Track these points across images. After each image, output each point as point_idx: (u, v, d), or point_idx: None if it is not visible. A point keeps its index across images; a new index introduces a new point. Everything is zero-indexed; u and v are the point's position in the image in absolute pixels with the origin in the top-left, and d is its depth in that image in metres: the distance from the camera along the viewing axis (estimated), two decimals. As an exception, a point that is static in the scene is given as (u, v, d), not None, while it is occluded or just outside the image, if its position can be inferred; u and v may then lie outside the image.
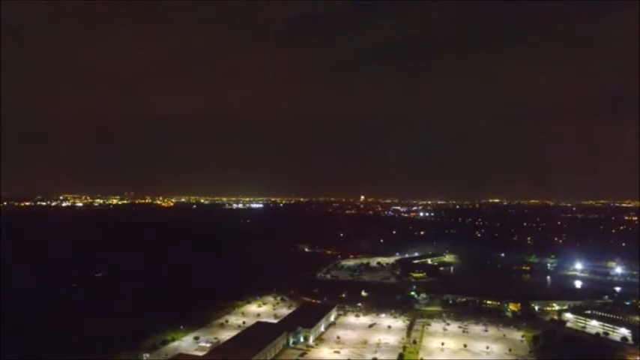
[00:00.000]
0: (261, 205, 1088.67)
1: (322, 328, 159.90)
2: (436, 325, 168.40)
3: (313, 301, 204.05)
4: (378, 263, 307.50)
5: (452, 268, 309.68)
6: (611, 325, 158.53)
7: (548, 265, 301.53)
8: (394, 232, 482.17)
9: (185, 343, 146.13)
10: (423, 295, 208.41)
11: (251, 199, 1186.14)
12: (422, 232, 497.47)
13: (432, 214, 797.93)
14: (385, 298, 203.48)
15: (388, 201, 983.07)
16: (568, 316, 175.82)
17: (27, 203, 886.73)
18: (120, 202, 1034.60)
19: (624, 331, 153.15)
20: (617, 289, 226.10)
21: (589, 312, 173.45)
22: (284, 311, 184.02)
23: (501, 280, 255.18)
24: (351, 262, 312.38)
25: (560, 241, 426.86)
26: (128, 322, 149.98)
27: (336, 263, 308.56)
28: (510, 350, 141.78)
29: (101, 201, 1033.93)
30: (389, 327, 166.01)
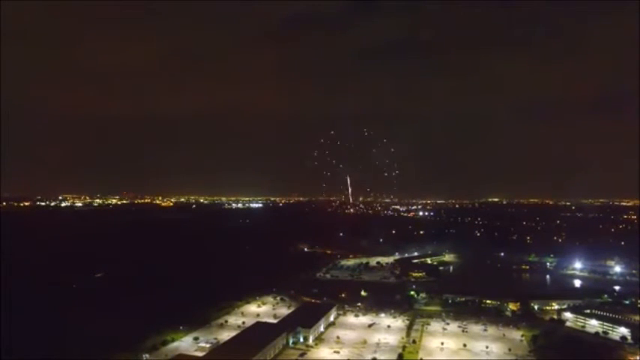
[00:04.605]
0: (260, 205, 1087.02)
1: (322, 328, 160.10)
2: (436, 325, 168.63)
3: (313, 301, 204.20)
4: (378, 263, 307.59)
5: (451, 268, 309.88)
6: (610, 325, 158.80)
7: (548, 264, 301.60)
8: (394, 232, 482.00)
9: (185, 343, 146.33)
10: (423, 295, 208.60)
11: (251, 198, 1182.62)
12: (421, 232, 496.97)
13: (432, 213, 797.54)
14: (385, 297, 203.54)
15: (388, 200, 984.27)
16: (567, 315, 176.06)
17: (26, 203, 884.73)
18: (119, 202, 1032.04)
19: (624, 331, 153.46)
20: (617, 288, 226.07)
21: (588, 311, 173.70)
22: (284, 311, 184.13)
23: (501, 280, 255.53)
24: (350, 262, 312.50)
25: (560, 240, 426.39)
26: (128, 323, 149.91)
27: (336, 263, 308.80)
28: (510, 350, 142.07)
29: (100, 201, 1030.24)
30: (388, 327, 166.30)
